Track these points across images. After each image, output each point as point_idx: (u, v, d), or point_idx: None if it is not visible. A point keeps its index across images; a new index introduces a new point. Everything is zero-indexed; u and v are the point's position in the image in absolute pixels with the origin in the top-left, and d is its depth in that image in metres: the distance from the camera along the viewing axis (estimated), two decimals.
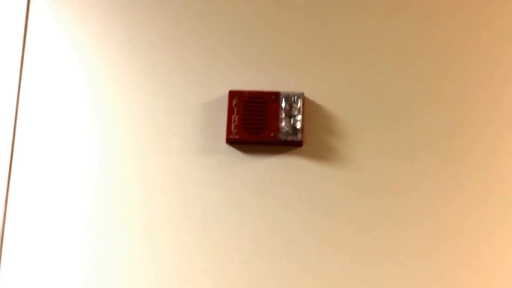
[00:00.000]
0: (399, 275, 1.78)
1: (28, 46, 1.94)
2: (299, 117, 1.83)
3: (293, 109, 1.83)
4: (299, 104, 1.83)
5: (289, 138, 1.82)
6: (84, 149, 1.88)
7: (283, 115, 1.83)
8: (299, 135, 1.82)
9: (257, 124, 1.83)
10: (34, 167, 1.87)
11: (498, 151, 1.83)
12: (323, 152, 1.85)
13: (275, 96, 1.84)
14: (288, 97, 1.84)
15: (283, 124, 1.83)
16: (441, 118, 1.86)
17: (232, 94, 1.84)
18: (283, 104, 1.83)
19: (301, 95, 1.84)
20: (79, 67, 1.93)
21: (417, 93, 1.87)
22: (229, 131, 1.83)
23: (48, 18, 1.95)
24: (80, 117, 1.90)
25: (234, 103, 1.84)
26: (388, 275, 1.78)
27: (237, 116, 1.83)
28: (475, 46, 1.89)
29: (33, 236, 1.84)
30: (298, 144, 1.83)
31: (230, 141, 1.83)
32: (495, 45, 1.89)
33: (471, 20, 1.91)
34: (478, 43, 1.89)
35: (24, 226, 1.85)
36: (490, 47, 1.89)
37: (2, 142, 1.88)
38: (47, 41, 1.94)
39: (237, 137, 1.82)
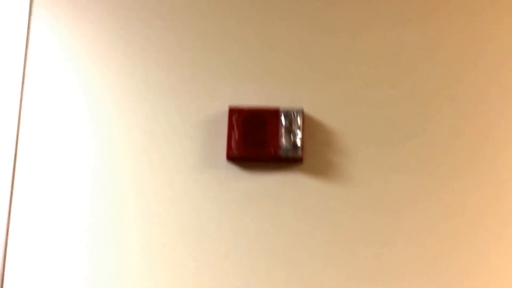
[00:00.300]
0: None
1: (29, 64, 1.94)
2: (299, 134, 1.82)
3: (293, 126, 1.83)
4: (299, 120, 1.83)
5: (290, 155, 1.81)
6: (83, 165, 1.87)
7: (283, 132, 1.83)
8: (299, 152, 1.81)
9: (257, 140, 1.82)
10: (34, 181, 1.87)
11: (496, 168, 1.83)
12: (323, 168, 1.84)
13: (275, 113, 1.84)
14: (288, 114, 1.84)
15: (283, 140, 1.82)
16: (440, 134, 1.86)
17: (232, 111, 1.84)
18: (283, 121, 1.83)
19: (300, 111, 1.84)
20: (78, 84, 1.93)
21: (416, 109, 1.87)
22: (229, 148, 1.82)
23: (48, 36, 1.95)
24: (79, 133, 1.90)
25: (234, 119, 1.84)
26: None
27: (237, 133, 1.83)
28: (473, 62, 1.89)
29: (33, 250, 1.84)
30: (298, 160, 1.83)
31: (230, 158, 1.83)
32: (493, 61, 1.89)
33: (469, 36, 1.91)
34: (477, 58, 1.90)
35: (25, 239, 1.84)
36: (488, 62, 1.89)
37: (3, 164, 1.88)
38: (47, 59, 1.94)
39: (237, 153, 1.82)
